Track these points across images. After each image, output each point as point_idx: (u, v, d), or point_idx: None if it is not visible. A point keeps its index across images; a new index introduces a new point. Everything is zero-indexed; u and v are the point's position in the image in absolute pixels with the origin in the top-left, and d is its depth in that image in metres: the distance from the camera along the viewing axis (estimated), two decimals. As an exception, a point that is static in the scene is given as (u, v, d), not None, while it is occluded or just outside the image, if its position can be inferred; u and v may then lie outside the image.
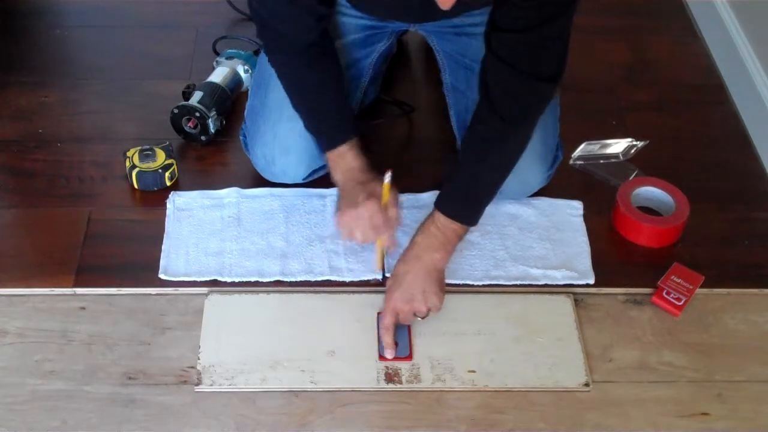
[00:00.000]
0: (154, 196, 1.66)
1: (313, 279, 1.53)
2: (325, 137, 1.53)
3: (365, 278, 1.53)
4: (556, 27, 1.32)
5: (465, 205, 1.45)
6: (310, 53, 1.48)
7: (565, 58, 1.37)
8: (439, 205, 1.44)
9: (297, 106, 1.54)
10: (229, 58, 1.86)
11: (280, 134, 1.58)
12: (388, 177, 1.44)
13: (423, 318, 1.44)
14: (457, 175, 1.45)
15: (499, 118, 1.40)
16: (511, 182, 1.59)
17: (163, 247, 1.56)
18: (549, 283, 1.54)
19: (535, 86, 1.37)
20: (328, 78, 1.52)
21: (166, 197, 1.65)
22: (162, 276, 1.52)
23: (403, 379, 1.40)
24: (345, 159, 1.51)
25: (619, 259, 1.60)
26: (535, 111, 1.43)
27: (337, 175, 1.52)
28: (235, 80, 1.83)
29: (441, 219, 1.43)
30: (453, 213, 1.43)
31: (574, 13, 1.33)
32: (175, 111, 1.73)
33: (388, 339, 1.41)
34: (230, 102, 1.80)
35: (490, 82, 1.39)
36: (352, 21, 1.62)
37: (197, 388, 1.37)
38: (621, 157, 1.76)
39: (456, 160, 1.47)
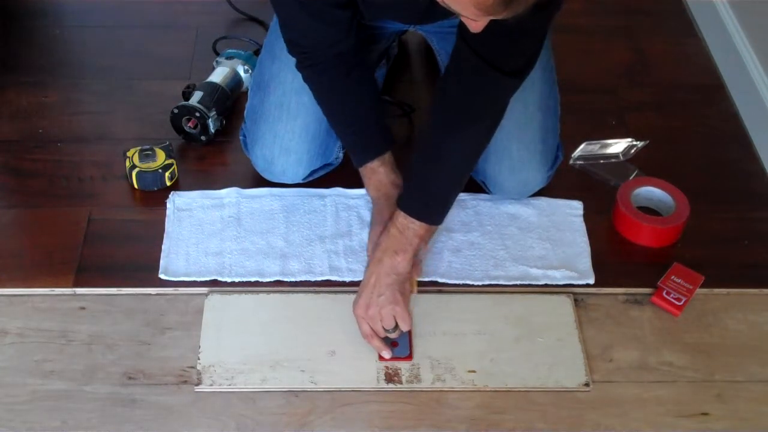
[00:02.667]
0: (154, 196, 1.66)
1: (313, 279, 1.53)
2: (357, 152, 1.53)
3: (365, 278, 1.53)
4: (534, 22, 1.26)
5: (421, 202, 1.42)
6: (339, 66, 1.46)
7: (535, 56, 1.35)
8: (398, 202, 1.42)
9: (330, 120, 1.54)
10: (229, 58, 1.86)
11: (280, 134, 1.58)
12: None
13: (392, 331, 1.40)
14: (414, 171, 1.44)
15: (453, 108, 1.38)
16: (512, 182, 1.59)
17: (163, 247, 1.56)
18: (549, 283, 1.54)
19: (496, 78, 1.34)
20: (360, 91, 1.51)
21: (166, 197, 1.65)
22: (162, 276, 1.52)
23: (403, 379, 1.40)
24: (377, 174, 1.51)
25: (619, 259, 1.60)
26: (492, 103, 1.39)
27: (370, 191, 1.53)
28: (235, 80, 1.83)
29: (400, 218, 1.41)
30: (410, 211, 1.40)
31: (555, 13, 1.30)
32: (175, 111, 1.73)
33: (375, 344, 1.41)
34: (230, 102, 1.80)
35: (451, 69, 1.37)
36: (352, 21, 1.62)
37: (197, 388, 1.37)
38: (621, 157, 1.76)
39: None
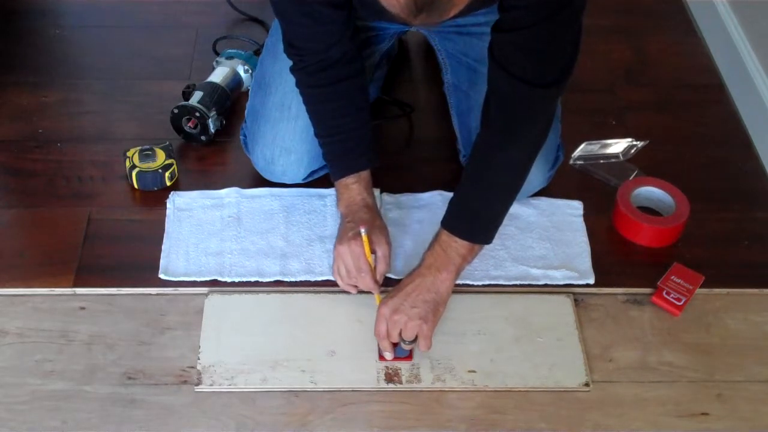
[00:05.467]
0: (154, 196, 1.66)
1: (313, 279, 1.53)
2: (336, 164, 1.50)
3: (365, 278, 1.53)
4: (556, 28, 1.26)
5: (463, 221, 1.41)
6: (331, 73, 1.44)
7: (570, 64, 1.31)
8: (443, 220, 1.42)
9: (315, 128, 1.51)
10: (229, 58, 1.86)
11: (280, 134, 1.58)
12: (363, 231, 1.42)
13: (409, 343, 1.40)
14: (457, 190, 1.43)
15: (493, 128, 1.37)
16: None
17: (163, 247, 1.56)
18: (549, 283, 1.54)
19: (529, 93, 1.31)
20: (349, 102, 1.48)
21: (166, 197, 1.65)
22: (162, 276, 1.52)
23: (403, 379, 1.40)
24: (349, 191, 1.49)
25: (619, 259, 1.60)
26: (529, 120, 1.36)
27: (340, 206, 1.51)
28: (235, 80, 1.83)
29: (443, 236, 1.40)
30: (452, 229, 1.40)
31: (579, 14, 1.27)
32: (175, 111, 1.73)
33: (384, 344, 1.40)
34: (230, 102, 1.80)
35: (489, 89, 1.35)
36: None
37: (197, 388, 1.37)
38: (621, 157, 1.76)
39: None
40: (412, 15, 1.02)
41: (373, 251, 1.45)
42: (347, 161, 1.49)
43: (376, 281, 1.45)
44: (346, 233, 1.46)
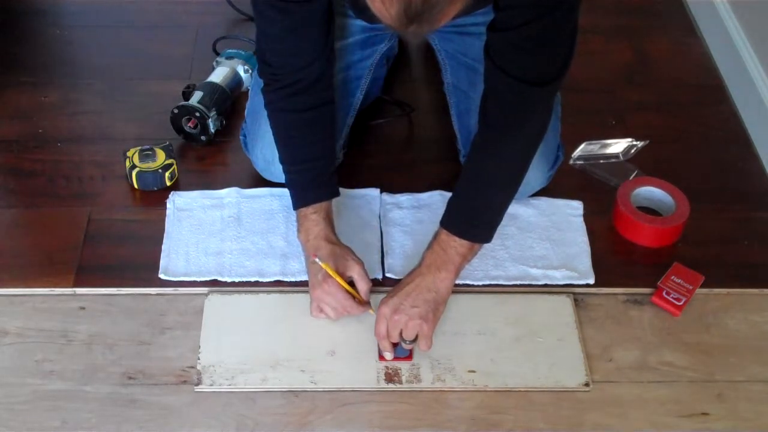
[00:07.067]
0: (154, 196, 1.66)
1: (313, 279, 1.53)
2: (297, 194, 1.47)
3: (365, 278, 1.53)
4: (552, 25, 1.26)
5: (461, 220, 1.41)
6: (303, 97, 1.41)
7: (566, 62, 1.31)
8: (442, 219, 1.41)
9: (280, 153, 1.48)
10: (229, 58, 1.86)
11: (280, 135, 1.58)
12: (318, 260, 1.40)
13: (409, 342, 1.40)
14: (456, 189, 1.43)
15: (490, 127, 1.36)
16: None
17: (163, 247, 1.56)
18: (549, 283, 1.54)
19: (525, 91, 1.31)
20: (316, 132, 1.45)
21: (166, 197, 1.65)
22: (162, 276, 1.52)
23: (403, 379, 1.40)
24: (308, 221, 1.45)
25: (619, 259, 1.60)
26: (526, 118, 1.36)
27: (300, 236, 1.47)
28: (235, 80, 1.83)
29: (442, 235, 1.40)
30: (451, 228, 1.40)
31: (574, 11, 1.27)
32: (175, 111, 1.73)
33: (384, 344, 1.40)
34: (230, 102, 1.80)
35: (485, 88, 1.35)
36: (354, 22, 1.62)
37: (197, 388, 1.37)
38: (621, 157, 1.76)
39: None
40: (403, 26, 1.02)
41: (348, 278, 1.43)
42: (310, 192, 1.46)
43: (363, 303, 1.44)
44: (315, 276, 1.43)
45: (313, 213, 1.45)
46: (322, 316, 1.45)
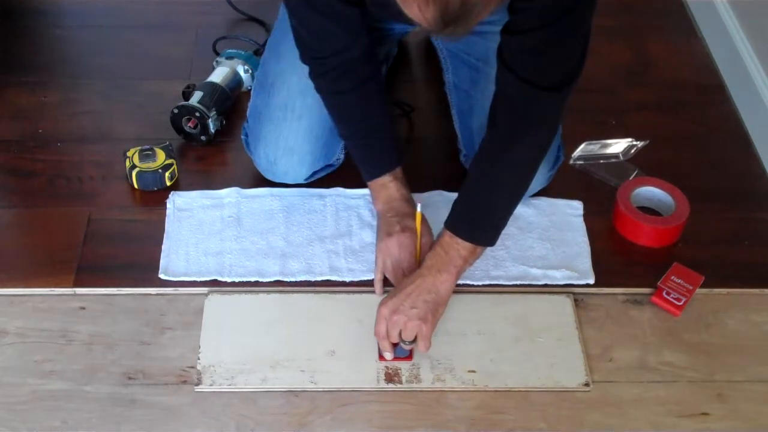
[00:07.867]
0: (154, 196, 1.66)
1: (313, 279, 1.53)
2: (368, 166, 1.52)
3: (365, 278, 1.53)
4: (566, 30, 1.27)
5: (466, 222, 1.41)
6: (351, 76, 1.44)
7: (576, 68, 1.31)
8: (446, 221, 1.42)
9: (341, 133, 1.53)
10: (229, 58, 1.86)
11: (283, 135, 1.58)
12: (419, 207, 1.43)
13: (409, 343, 1.39)
14: (462, 191, 1.43)
15: (499, 130, 1.36)
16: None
17: (163, 247, 1.56)
18: (549, 283, 1.54)
19: (537, 95, 1.31)
20: (371, 105, 1.49)
21: (166, 197, 1.65)
22: (162, 276, 1.52)
23: (403, 379, 1.40)
24: (387, 189, 1.50)
25: (619, 259, 1.60)
26: (536, 123, 1.36)
27: (378, 205, 1.52)
28: (235, 80, 1.83)
29: (445, 237, 1.40)
30: (454, 230, 1.40)
31: (588, 16, 1.27)
32: (175, 111, 1.73)
33: (384, 344, 1.40)
34: (230, 102, 1.80)
35: (496, 91, 1.35)
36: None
37: (197, 388, 1.37)
38: (621, 157, 1.76)
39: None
40: (439, 29, 1.02)
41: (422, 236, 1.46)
42: (379, 162, 1.51)
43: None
44: (392, 227, 1.47)
45: (391, 181, 1.50)
46: (381, 274, 1.48)
